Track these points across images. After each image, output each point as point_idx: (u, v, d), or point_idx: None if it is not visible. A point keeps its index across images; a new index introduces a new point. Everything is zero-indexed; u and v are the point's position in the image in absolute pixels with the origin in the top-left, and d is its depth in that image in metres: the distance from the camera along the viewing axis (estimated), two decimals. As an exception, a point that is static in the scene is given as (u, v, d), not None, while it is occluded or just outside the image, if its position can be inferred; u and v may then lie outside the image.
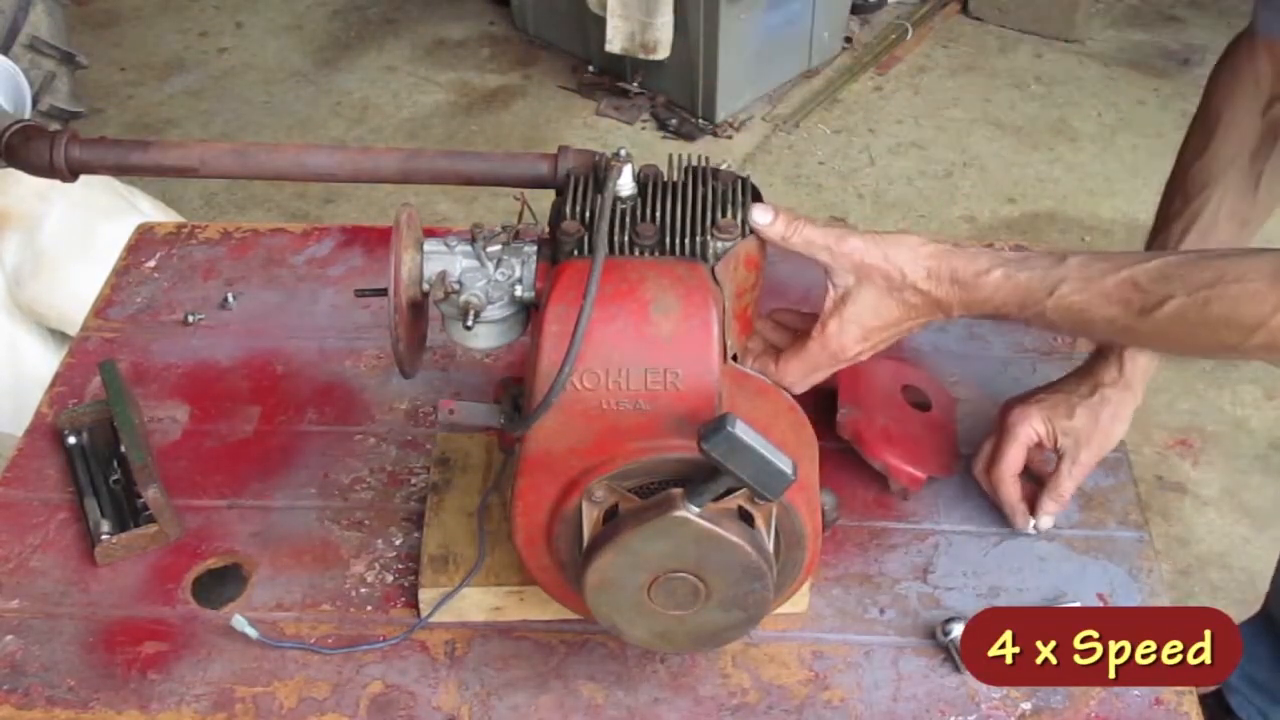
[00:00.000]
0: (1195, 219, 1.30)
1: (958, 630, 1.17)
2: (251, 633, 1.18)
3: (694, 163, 1.13)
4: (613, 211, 1.08)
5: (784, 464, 0.96)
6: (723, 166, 1.14)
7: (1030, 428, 1.28)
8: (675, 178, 1.13)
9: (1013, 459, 1.28)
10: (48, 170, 1.15)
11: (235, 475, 1.37)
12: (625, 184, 1.09)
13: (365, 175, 1.18)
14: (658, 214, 1.09)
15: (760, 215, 1.10)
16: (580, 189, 1.11)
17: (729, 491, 1.00)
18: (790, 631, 1.21)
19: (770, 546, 1.03)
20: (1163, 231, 1.33)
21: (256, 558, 1.29)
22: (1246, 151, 1.31)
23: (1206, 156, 1.32)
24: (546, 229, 1.13)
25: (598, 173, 1.12)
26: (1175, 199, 1.33)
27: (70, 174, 1.16)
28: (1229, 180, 1.31)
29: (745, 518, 1.02)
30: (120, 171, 1.22)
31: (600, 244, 1.04)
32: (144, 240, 1.69)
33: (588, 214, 1.09)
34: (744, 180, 1.12)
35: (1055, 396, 1.30)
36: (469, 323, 1.09)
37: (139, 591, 1.26)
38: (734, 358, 1.09)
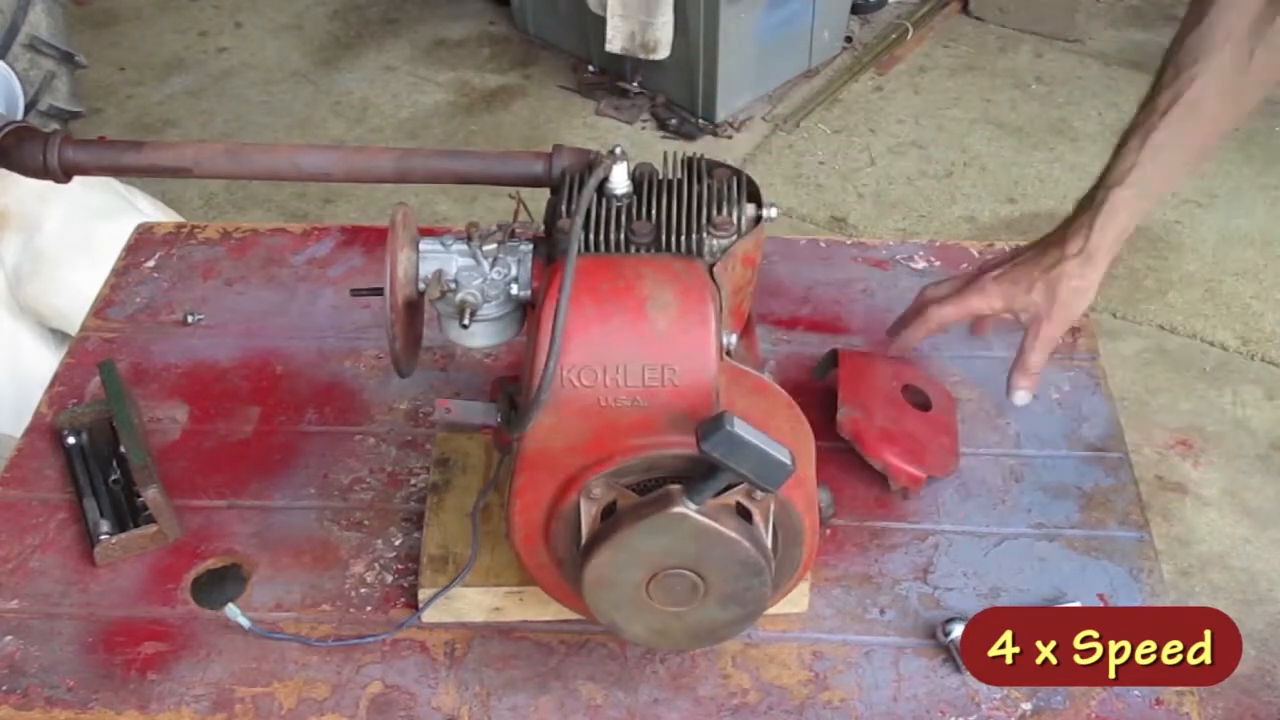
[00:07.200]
0: (1184, 91, 1.26)
1: (958, 630, 1.17)
2: (244, 622, 1.18)
3: (691, 155, 1.13)
4: (608, 209, 1.08)
5: (783, 455, 0.97)
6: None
7: (986, 303, 1.32)
8: (671, 175, 1.13)
9: (948, 318, 1.36)
10: (41, 172, 1.14)
11: (235, 475, 1.37)
12: (620, 182, 1.09)
13: (360, 175, 1.18)
14: (653, 212, 1.09)
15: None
16: (575, 187, 1.11)
17: (728, 487, 1.00)
18: (790, 632, 1.21)
19: (769, 542, 1.03)
20: (1150, 101, 1.29)
21: (256, 558, 1.29)
22: (1245, 24, 1.25)
23: (1204, 26, 1.27)
24: (542, 227, 1.13)
25: (593, 171, 1.12)
26: (1167, 69, 1.29)
27: (64, 175, 1.15)
28: (1224, 54, 1.25)
29: (743, 514, 1.02)
30: (114, 172, 1.21)
31: (575, 232, 1.03)
32: (144, 240, 1.69)
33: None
34: (740, 175, 1.12)
35: (1016, 271, 1.31)
36: (466, 321, 1.09)
37: (138, 592, 1.26)
38: (729, 353, 1.09)
